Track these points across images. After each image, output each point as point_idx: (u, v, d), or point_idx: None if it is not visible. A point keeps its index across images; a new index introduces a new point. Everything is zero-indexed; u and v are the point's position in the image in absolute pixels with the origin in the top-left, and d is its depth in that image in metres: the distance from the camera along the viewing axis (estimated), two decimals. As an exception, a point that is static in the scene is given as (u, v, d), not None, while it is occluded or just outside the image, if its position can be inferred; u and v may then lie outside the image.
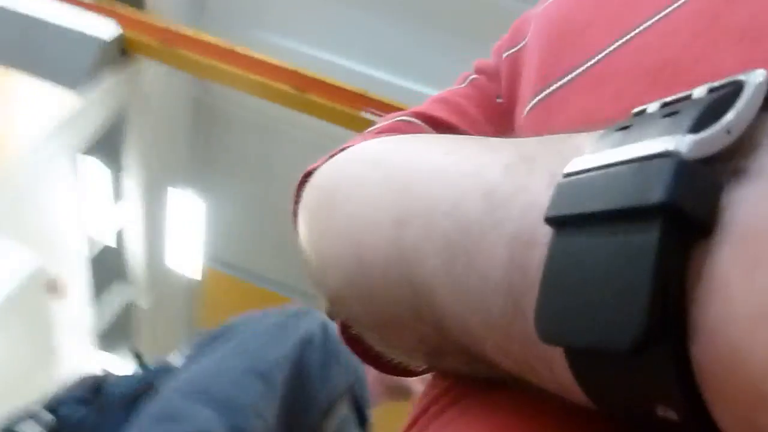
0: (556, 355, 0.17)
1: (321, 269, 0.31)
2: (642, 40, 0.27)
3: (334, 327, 0.86)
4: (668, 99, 0.17)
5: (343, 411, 0.99)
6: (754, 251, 0.12)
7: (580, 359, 0.16)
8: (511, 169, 0.20)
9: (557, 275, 0.16)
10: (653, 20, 0.27)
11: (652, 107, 0.17)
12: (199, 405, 0.81)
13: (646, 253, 0.14)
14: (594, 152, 0.17)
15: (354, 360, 0.91)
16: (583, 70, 0.30)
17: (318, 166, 0.34)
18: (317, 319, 0.98)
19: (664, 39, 0.26)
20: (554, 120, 0.30)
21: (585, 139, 0.19)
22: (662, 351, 0.13)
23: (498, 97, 0.39)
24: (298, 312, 1.01)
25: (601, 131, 0.18)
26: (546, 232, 0.17)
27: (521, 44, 0.38)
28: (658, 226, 0.14)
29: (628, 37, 0.28)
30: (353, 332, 0.32)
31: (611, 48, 0.28)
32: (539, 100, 0.32)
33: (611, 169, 0.15)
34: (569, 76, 0.30)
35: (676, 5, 0.26)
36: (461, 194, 0.22)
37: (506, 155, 0.21)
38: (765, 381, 0.12)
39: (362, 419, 1.03)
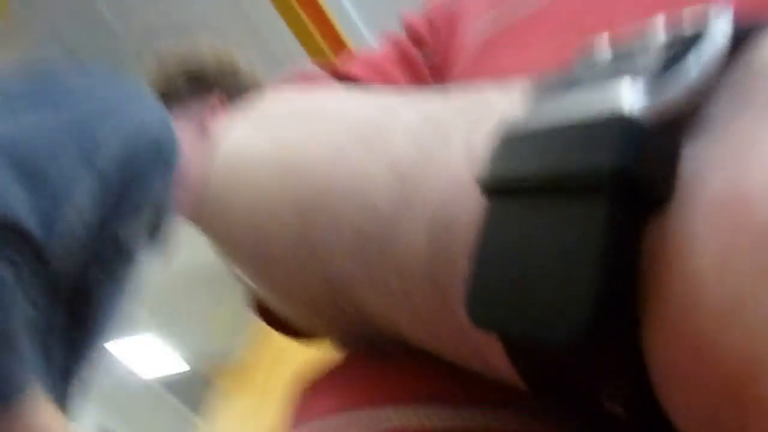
0: (491, 345, 0.15)
1: (225, 255, 0.28)
2: None
3: (175, 133, 0.75)
4: (619, 42, 0.15)
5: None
6: (726, 223, 0.10)
7: (518, 346, 0.14)
8: (418, 138, 0.18)
9: (491, 251, 0.14)
10: None
11: (600, 50, 0.15)
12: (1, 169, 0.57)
13: (592, 230, 0.12)
14: (533, 107, 0.14)
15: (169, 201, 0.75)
16: (525, 14, 0.28)
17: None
18: (159, 113, 0.74)
19: None
20: (491, 63, 0.28)
21: (501, 96, 0.17)
22: (610, 343, 0.12)
23: (422, 49, 0.37)
24: (134, 92, 0.74)
25: (532, 84, 0.16)
26: (471, 209, 0.15)
27: None
28: (606, 199, 0.11)
29: None
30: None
31: None
32: (480, 41, 0.30)
33: (554, 130, 0.13)
34: (512, 17, 0.29)
35: None
36: (364, 175, 0.19)
37: (410, 119, 0.19)
38: (736, 377, 0.10)
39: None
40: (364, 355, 0.24)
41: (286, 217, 0.22)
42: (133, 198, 0.70)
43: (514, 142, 0.14)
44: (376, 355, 0.24)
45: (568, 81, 0.14)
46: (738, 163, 0.11)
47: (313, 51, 1.96)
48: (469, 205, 0.15)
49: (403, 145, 0.18)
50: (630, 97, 0.12)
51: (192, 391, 4.82)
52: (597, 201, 0.12)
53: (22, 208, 0.57)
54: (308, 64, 0.37)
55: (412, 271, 0.17)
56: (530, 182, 0.13)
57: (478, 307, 0.14)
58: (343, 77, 0.35)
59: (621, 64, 0.13)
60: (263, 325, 0.33)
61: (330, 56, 1.93)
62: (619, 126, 0.12)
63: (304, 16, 1.90)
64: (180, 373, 4.66)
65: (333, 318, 0.23)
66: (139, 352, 5.08)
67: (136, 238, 0.78)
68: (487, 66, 0.28)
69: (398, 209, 0.17)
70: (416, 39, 0.38)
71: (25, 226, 0.57)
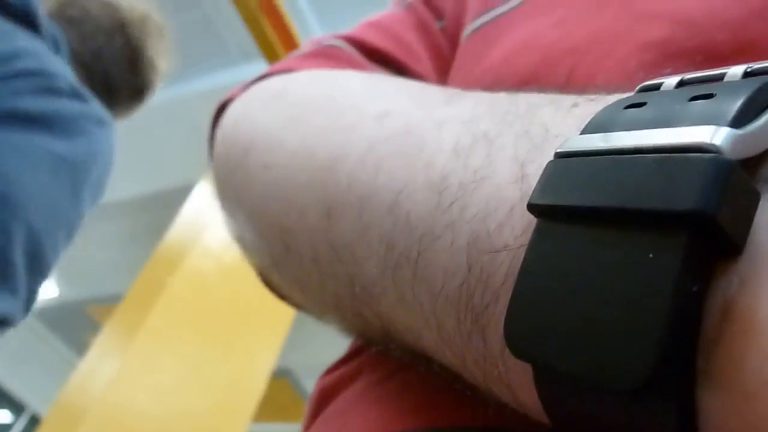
0: (519, 378, 0.14)
1: (241, 242, 0.27)
2: None
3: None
4: (689, 76, 0.14)
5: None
6: None
7: (553, 385, 0.13)
8: (462, 153, 0.17)
9: (539, 276, 0.13)
10: None
11: (668, 84, 0.14)
12: None
13: (665, 272, 0.11)
14: (596, 128, 0.13)
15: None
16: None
17: (235, 96, 0.30)
18: None
19: None
20: (492, 48, 0.27)
21: (553, 115, 0.16)
22: (664, 392, 0.11)
23: (439, 19, 0.35)
24: None
25: (585, 100, 0.16)
26: (518, 233, 0.14)
27: None
28: (684, 241, 0.11)
29: None
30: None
31: None
32: (478, 27, 0.29)
33: (625, 157, 0.12)
34: (510, 4, 0.28)
35: None
36: (402, 184, 0.18)
37: (454, 131, 0.17)
38: None
39: None
40: (388, 366, 0.24)
41: (310, 215, 0.20)
42: None
43: (575, 165, 0.13)
44: (398, 366, 0.23)
45: (634, 106, 0.13)
46: None
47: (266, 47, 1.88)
48: (517, 230, 0.14)
49: (446, 157, 0.17)
50: (714, 128, 0.11)
51: (65, 322, 4.65)
52: (673, 242, 0.11)
53: None
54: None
55: (444, 290, 0.16)
56: (594, 209, 0.12)
57: (519, 335, 0.13)
58: (363, 49, 0.33)
59: (697, 92, 0.13)
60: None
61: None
62: (703, 160, 0.11)
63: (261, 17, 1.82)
64: (53, 302, 4.50)
65: (356, 326, 0.22)
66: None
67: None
68: (494, 45, 0.27)
69: (435, 226, 0.16)
70: (430, 6, 0.36)
71: None
